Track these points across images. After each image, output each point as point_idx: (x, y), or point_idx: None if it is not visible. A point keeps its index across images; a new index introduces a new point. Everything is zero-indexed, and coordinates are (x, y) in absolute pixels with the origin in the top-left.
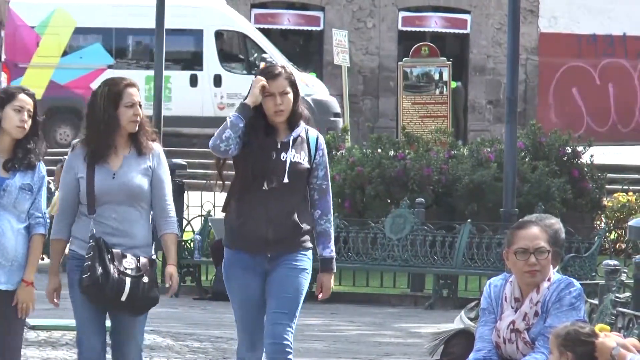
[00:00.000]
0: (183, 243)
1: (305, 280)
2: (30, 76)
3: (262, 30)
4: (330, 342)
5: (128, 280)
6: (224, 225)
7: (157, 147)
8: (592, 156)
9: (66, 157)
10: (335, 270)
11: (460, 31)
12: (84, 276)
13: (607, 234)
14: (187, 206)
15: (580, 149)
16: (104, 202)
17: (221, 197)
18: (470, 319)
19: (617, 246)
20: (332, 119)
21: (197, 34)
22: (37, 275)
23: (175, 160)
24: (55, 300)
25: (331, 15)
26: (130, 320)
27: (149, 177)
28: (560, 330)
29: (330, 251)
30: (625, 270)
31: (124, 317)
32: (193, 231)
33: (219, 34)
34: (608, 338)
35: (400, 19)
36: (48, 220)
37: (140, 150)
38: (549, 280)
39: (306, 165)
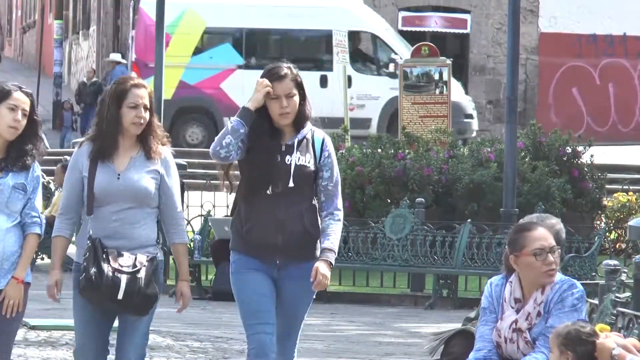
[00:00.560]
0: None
1: (312, 297)
2: None
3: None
4: (330, 342)
5: (124, 278)
6: (230, 229)
7: (167, 152)
8: (592, 156)
9: (67, 157)
10: (332, 262)
11: (460, 31)
12: (80, 278)
13: (607, 233)
14: (187, 206)
15: (580, 148)
16: (106, 202)
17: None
18: (470, 319)
19: (617, 246)
20: (464, 120)
21: (328, 35)
22: (37, 275)
23: (175, 160)
24: (55, 294)
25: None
26: (133, 322)
27: (157, 180)
28: (561, 329)
29: (330, 242)
30: (625, 270)
31: (128, 319)
32: (193, 231)
33: (349, 35)
34: (608, 339)
35: (400, 18)
36: (44, 221)
37: (148, 154)
38: (554, 280)
39: (312, 168)
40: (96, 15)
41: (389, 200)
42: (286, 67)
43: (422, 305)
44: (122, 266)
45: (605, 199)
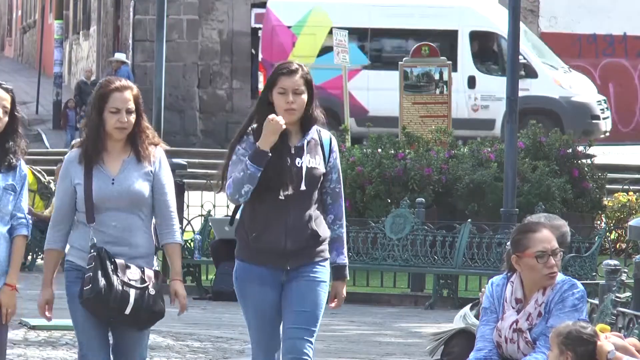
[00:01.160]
0: (183, 243)
1: (324, 293)
2: None
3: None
4: (330, 342)
5: (133, 292)
6: (235, 236)
7: (159, 152)
8: (592, 156)
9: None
10: (347, 278)
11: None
12: (85, 288)
13: (608, 233)
14: (187, 206)
15: (580, 148)
16: (104, 209)
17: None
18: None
19: (618, 246)
20: (590, 121)
21: (452, 35)
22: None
23: (175, 160)
24: (47, 313)
25: None
26: (133, 336)
27: (150, 182)
28: (562, 328)
29: (344, 257)
30: (626, 270)
31: (127, 332)
32: (193, 231)
33: (473, 35)
34: (605, 341)
35: None
36: (31, 222)
37: (139, 156)
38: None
39: (322, 169)
40: (96, 15)
41: (389, 200)
42: (297, 64)
43: (422, 305)
44: (130, 280)
45: (605, 199)
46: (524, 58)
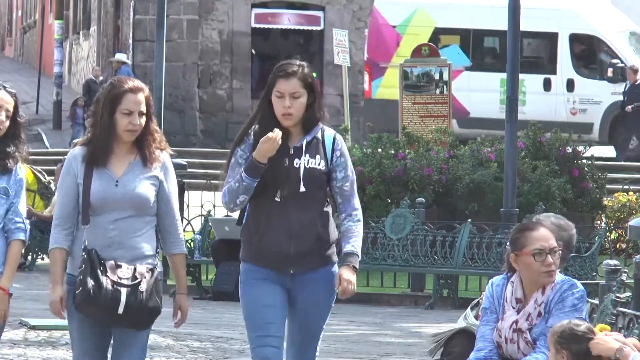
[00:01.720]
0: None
1: (331, 304)
2: (390, 76)
3: (262, 30)
4: (330, 342)
5: (124, 291)
6: (240, 237)
7: (166, 158)
8: (592, 156)
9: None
10: (356, 266)
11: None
12: (76, 292)
13: (608, 233)
14: (187, 206)
15: (580, 148)
16: (103, 211)
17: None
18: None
19: (618, 246)
20: None
21: (552, 37)
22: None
23: (175, 160)
24: (61, 310)
25: (331, 15)
26: (132, 337)
27: (156, 187)
28: (557, 327)
29: (352, 246)
30: (626, 270)
31: (126, 334)
32: (193, 231)
33: (573, 37)
34: (610, 338)
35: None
36: (29, 227)
37: (146, 160)
38: (553, 281)
39: (323, 169)
40: (96, 15)
41: (389, 200)
42: (297, 65)
43: (422, 305)
44: (121, 278)
45: (605, 198)
46: (622, 61)
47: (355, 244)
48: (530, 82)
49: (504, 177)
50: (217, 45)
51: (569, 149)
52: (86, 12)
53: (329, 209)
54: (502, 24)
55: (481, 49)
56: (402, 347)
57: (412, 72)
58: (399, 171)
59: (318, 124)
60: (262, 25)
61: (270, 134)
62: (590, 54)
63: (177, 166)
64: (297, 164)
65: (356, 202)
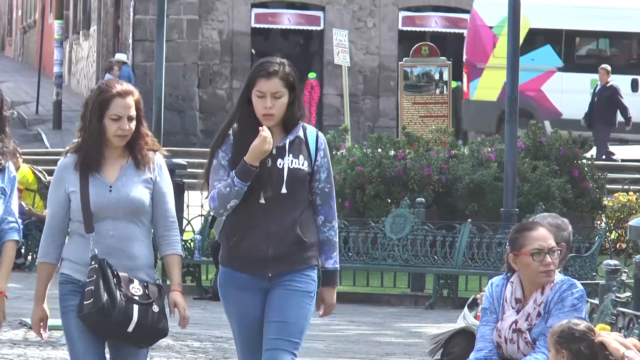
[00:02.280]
0: (183, 243)
1: (310, 305)
2: (487, 77)
3: (262, 30)
4: (330, 342)
5: (136, 308)
6: (219, 239)
7: (159, 158)
8: (592, 156)
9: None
10: (339, 285)
11: (461, 31)
12: (85, 302)
13: (608, 233)
14: (187, 206)
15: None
16: (100, 218)
17: None
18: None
19: (618, 246)
20: None
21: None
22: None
23: (175, 160)
24: (42, 332)
25: (331, 14)
26: (132, 354)
27: (150, 189)
28: (556, 328)
29: (334, 262)
30: (626, 270)
31: (126, 349)
32: (193, 231)
33: None
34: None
35: (400, 18)
36: (22, 226)
37: (138, 163)
38: (552, 280)
39: (306, 169)
40: (96, 15)
41: (389, 200)
42: (277, 64)
43: (422, 305)
44: (133, 295)
45: (605, 198)
46: None
47: (337, 259)
48: (619, 83)
49: (504, 177)
50: (217, 45)
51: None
52: (86, 12)
53: (310, 209)
54: (593, 25)
55: (572, 49)
56: (402, 347)
57: (412, 72)
58: (399, 171)
59: (299, 122)
60: (262, 25)
61: (262, 133)
62: None
63: (177, 166)
64: (280, 164)
65: (335, 206)
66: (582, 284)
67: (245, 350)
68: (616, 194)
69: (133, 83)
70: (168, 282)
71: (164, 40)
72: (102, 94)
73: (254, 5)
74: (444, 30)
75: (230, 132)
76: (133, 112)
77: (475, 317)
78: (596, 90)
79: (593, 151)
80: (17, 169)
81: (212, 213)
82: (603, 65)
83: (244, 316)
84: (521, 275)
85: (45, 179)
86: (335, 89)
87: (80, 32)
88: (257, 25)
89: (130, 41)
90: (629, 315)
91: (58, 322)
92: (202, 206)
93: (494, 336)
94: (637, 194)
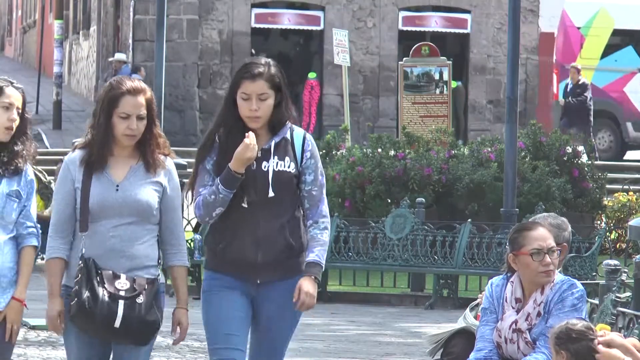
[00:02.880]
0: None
1: (297, 319)
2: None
3: (262, 30)
4: (330, 342)
5: (121, 303)
6: (204, 245)
7: (170, 163)
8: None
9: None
10: (318, 277)
11: (461, 31)
12: (71, 304)
13: (608, 233)
14: (187, 206)
15: (580, 148)
16: (103, 217)
17: None
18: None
19: (618, 246)
20: None
21: None
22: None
23: (175, 160)
24: (59, 326)
25: (331, 14)
26: (130, 352)
27: (159, 193)
28: (555, 328)
29: (316, 256)
30: (626, 270)
31: (125, 350)
32: (193, 231)
33: None
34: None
35: (400, 18)
36: (40, 231)
37: (148, 166)
38: (552, 280)
39: (292, 172)
40: (96, 15)
41: (389, 200)
42: (263, 65)
43: (422, 305)
44: (118, 290)
45: (605, 198)
46: None
47: (319, 253)
48: None
49: (504, 177)
50: (217, 45)
51: (569, 149)
52: (86, 12)
53: (299, 213)
54: None
55: None
56: (402, 347)
57: (412, 72)
58: (399, 171)
59: (286, 124)
60: (262, 25)
61: (246, 140)
62: None
63: (177, 166)
64: (265, 167)
65: (325, 208)
66: (582, 284)
67: (220, 342)
68: (616, 194)
69: None
70: (168, 282)
71: (164, 40)
72: (112, 90)
73: (254, 5)
74: (444, 30)
75: (216, 137)
76: (143, 112)
77: (475, 317)
78: (567, 90)
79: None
80: None
81: (197, 220)
82: (572, 64)
83: (227, 317)
84: (521, 275)
85: (46, 179)
86: (335, 89)
87: (80, 32)
88: (257, 25)
89: (130, 41)
90: (629, 315)
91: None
92: None
93: (494, 336)
94: (637, 194)
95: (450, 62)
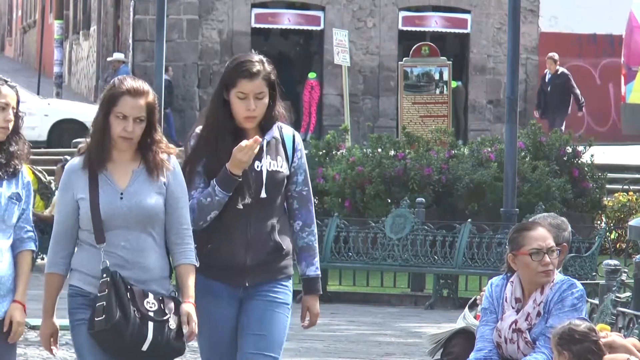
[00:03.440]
0: None
1: (287, 317)
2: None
3: (262, 30)
4: (330, 342)
5: (150, 325)
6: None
7: (173, 161)
8: (592, 156)
9: (67, 157)
10: (321, 292)
11: (461, 31)
12: (97, 319)
13: (608, 233)
14: None
15: (580, 148)
16: (111, 227)
17: None
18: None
19: (618, 246)
20: None
21: None
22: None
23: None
24: (52, 347)
25: (331, 14)
26: None
27: (163, 195)
28: (558, 329)
29: (316, 269)
30: (626, 270)
31: None
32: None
33: None
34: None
35: (400, 18)
36: (36, 235)
37: (149, 167)
38: (552, 280)
39: (285, 172)
40: (96, 15)
41: (389, 200)
42: (258, 63)
43: (422, 305)
44: (148, 310)
45: (605, 198)
46: None
47: (318, 265)
48: None
49: (504, 177)
50: (217, 45)
51: (569, 149)
52: (86, 12)
53: (285, 215)
54: None
55: None
56: (402, 347)
57: (412, 72)
58: (399, 171)
59: (276, 122)
60: (262, 25)
61: (245, 142)
62: None
63: None
64: (258, 167)
65: (313, 210)
66: (582, 284)
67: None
68: (616, 194)
69: None
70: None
71: (164, 40)
72: (112, 88)
73: (254, 5)
74: (444, 30)
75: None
76: (142, 114)
77: (475, 317)
78: (547, 80)
79: (591, 151)
80: None
81: (192, 225)
82: (550, 54)
83: (217, 327)
84: (520, 275)
85: (45, 179)
86: (335, 89)
87: (80, 32)
88: (257, 25)
89: (130, 41)
90: (629, 315)
91: (59, 322)
92: None
93: (494, 336)
94: (637, 194)
95: (450, 62)
